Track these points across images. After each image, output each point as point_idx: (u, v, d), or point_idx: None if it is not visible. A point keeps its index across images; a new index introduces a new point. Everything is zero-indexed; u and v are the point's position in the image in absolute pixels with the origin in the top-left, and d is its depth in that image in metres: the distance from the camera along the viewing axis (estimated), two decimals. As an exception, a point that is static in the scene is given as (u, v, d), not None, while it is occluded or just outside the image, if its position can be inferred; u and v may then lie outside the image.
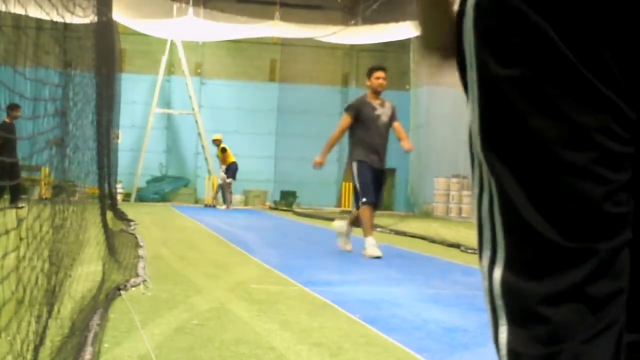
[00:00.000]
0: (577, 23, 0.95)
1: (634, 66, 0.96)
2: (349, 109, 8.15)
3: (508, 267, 1.03)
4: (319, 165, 8.21)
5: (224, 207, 20.49)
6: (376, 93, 8.03)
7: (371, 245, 7.74)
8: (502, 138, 1.01)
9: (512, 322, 1.03)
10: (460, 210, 20.19)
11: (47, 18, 2.88)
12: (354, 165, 7.92)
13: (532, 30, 0.96)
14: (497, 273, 1.04)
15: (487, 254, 1.06)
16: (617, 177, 0.98)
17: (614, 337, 0.99)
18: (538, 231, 0.99)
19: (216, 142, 21.03)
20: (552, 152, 0.97)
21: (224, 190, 20.90)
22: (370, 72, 8.15)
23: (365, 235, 7.78)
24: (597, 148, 0.96)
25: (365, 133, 7.92)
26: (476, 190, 1.08)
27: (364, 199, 7.77)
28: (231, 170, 20.63)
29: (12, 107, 10.57)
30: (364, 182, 7.81)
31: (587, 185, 0.97)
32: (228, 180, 20.66)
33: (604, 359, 0.98)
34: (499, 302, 1.04)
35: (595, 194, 0.97)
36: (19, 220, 2.27)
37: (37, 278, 2.58)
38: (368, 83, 8.14)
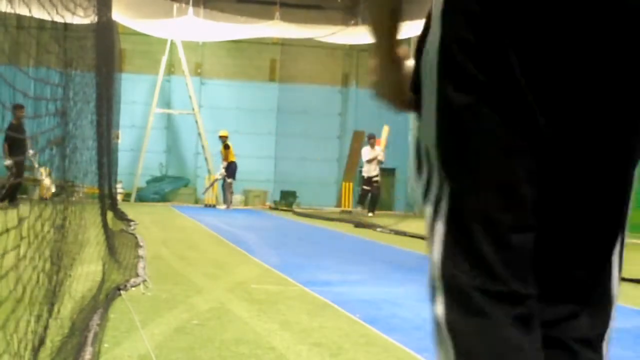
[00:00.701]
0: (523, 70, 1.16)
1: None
2: None
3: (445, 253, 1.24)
4: None
5: (224, 207, 20.49)
6: None
7: None
8: (453, 153, 1.22)
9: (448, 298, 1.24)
10: (460, 211, 20.17)
11: (48, 18, 2.88)
12: None
13: (488, 67, 1.17)
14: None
15: (435, 242, 1.25)
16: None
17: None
18: (473, 227, 1.20)
19: (222, 139, 21.01)
20: (489, 165, 1.19)
21: (225, 190, 20.89)
22: None
23: None
24: (525, 167, 1.19)
25: None
26: (423, 187, 1.29)
27: None
28: (230, 169, 20.63)
29: (16, 107, 10.61)
30: None
31: (522, 189, 1.20)
32: (229, 180, 20.66)
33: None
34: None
35: (525, 193, 1.20)
36: (20, 220, 2.28)
37: (38, 277, 2.58)
38: None
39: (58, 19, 3.12)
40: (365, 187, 18.72)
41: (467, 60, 1.17)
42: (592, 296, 1.29)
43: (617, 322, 4.07)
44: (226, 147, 20.77)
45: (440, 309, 1.26)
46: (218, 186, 21.58)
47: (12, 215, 2.32)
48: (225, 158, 20.75)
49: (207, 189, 21.46)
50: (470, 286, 1.19)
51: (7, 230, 2.15)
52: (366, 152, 18.50)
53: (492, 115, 1.18)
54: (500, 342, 1.18)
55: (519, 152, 1.19)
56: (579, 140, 1.20)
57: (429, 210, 1.26)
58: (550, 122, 1.19)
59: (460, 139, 1.20)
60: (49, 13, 2.76)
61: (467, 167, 1.20)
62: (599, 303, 1.30)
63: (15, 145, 12.21)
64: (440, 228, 1.23)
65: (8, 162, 10.60)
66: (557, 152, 1.21)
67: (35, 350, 2.51)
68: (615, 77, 1.16)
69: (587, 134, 1.20)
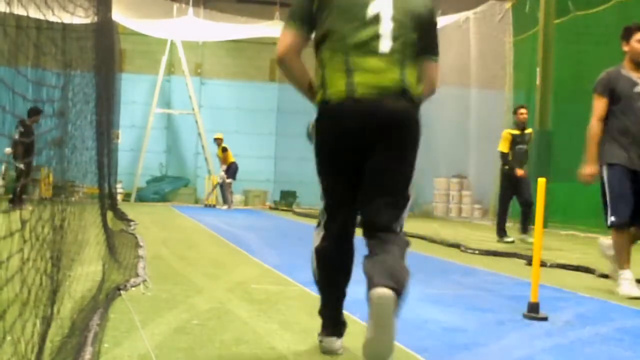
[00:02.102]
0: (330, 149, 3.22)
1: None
2: (599, 87, 5.86)
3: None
4: (591, 178, 5.85)
5: (225, 207, 20.48)
6: (637, 63, 5.78)
7: (626, 280, 5.68)
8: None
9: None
10: (460, 210, 20.17)
11: (46, 18, 2.88)
12: (604, 170, 5.77)
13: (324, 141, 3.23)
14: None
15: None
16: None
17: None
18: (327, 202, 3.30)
19: (217, 141, 20.95)
20: (327, 181, 3.25)
21: (225, 190, 20.87)
22: (629, 34, 5.84)
23: (619, 267, 5.76)
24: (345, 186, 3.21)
25: (620, 119, 5.74)
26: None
27: (612, 218, 5.67)
28: (231, 170, 20.60)
29: (34, 112, 10.69)
30: (617, 194, 5.68)
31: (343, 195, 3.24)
32: (228, 181, 20.64)
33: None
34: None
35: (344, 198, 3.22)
36: (23, 222, 2.27)
37: (41, 279, 2.58)
38: (626, 48, 5.85)
39: (57, 19, 3.13)
40: None
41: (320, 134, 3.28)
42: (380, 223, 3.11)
43: (617, 322, 4.11)
44: (224, 150, 20.68)
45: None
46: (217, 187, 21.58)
47: (14, 217, 2.32)
48: (225, 161, 20.67)
49: (209, 194, 21.36)
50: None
51: (12, 234, 2.15)
52: None
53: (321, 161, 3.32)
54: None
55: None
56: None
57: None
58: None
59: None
60: (44, 15, 2.76)
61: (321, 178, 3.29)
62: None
63: (28, 148, 12.27)
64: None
65: (22, 165, 10.64)
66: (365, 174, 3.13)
67: (39, 352, 2.51)
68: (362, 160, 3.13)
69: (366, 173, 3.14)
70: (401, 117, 3.05)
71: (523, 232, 10.74)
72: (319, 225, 3.30)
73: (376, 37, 3.05)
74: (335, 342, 3.34)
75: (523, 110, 10.82)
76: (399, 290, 2.83)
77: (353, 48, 3.04)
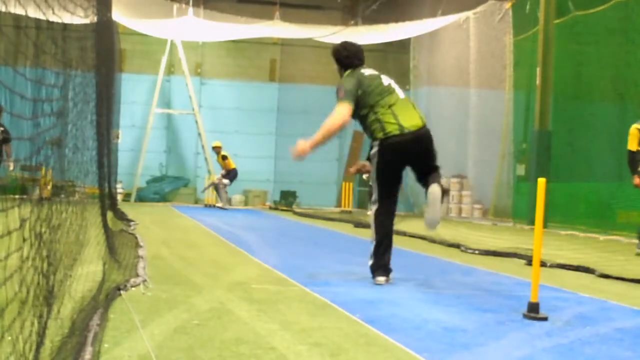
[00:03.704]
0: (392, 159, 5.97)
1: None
2: None
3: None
4: None
5: (219, 205, 20.48)
6: None
7: None
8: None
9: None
10: (460, 210, 20.17)
11: (46, 18, 2.88)
12: None
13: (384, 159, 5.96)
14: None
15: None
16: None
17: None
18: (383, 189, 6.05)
19: (216, 150, 20.87)
20: (386, 179, 6.01)
21: (220, 190, 20.84)
22: None
23: None
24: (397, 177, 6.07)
25: None
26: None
27: None
28: (230, 175, 20.58)
29: None
30: None
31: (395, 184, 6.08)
32: (225, 181, 20.62)
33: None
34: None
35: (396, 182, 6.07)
36: (22, 221, 2.27)
37: (38, 278, 2.58)
38: None
39: (56, 19, 3.12)
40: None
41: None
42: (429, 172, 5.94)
43: (617, 322, 4.11)
44: (224, 157, 20.60)
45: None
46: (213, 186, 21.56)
47: (13, 216, 2.31)
48: (225, 167, 20.62)
49: (206, 189, 21.40)
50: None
51: (9, 233, 2.15)
52: None
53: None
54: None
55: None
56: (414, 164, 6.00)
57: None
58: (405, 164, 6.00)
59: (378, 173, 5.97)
60: (44, 13, 2.75)
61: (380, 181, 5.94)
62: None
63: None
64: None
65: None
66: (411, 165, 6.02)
67: (37, 350, 2.51)
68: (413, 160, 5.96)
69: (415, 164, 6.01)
70: (427, 136, 5.92)
71: None
72: (374, 203, 5.96)
73: (396, 95, 5.96)
74: (382, 278, 5.80)
75: None
76: (443, 188, 5.73)
77: (392, 105, 5.86)
